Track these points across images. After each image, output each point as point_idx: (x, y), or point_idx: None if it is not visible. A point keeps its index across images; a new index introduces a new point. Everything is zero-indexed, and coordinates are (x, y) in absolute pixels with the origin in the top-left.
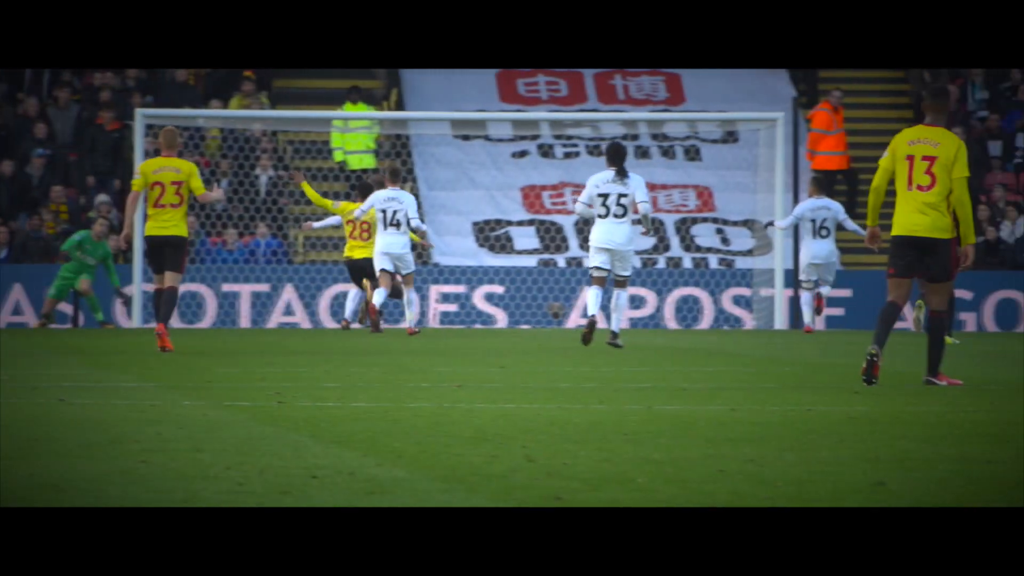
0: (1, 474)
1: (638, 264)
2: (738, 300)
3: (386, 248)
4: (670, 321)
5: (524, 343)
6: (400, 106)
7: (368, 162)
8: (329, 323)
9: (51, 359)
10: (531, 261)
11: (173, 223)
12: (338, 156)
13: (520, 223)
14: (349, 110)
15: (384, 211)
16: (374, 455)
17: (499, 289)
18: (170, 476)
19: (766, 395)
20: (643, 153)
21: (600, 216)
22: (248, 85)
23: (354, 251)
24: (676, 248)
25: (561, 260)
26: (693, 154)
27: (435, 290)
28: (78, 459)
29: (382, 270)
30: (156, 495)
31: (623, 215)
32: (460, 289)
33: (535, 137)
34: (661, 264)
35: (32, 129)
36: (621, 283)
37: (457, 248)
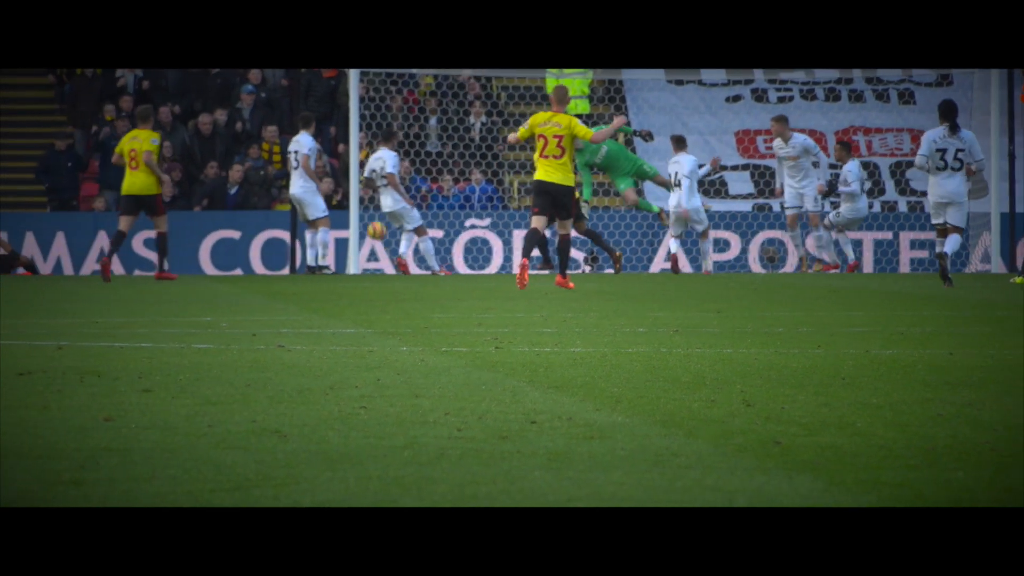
0: (224, 419)
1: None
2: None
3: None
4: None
5: (739, 288)
6: None
7: (582, 107)
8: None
9: (269, 306)
10: (746, 206)
11: (559, 172)
12: None
13: (734, 168)
14: None
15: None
16: (592, 400)
17: (714, 234)
18: (389, 422)
19: (983, 339)
20: (857, 97)
21: (938, 168)
22: None
23: None
24: (891, 192)
25: (776, 205)
26: (907, 97)
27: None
28: (298, 404)
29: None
30: (376, 440)
31: (959, 168)
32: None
33: (749, 82)
34: (876, 208)
35: (246, 76)
36: (956, 231)
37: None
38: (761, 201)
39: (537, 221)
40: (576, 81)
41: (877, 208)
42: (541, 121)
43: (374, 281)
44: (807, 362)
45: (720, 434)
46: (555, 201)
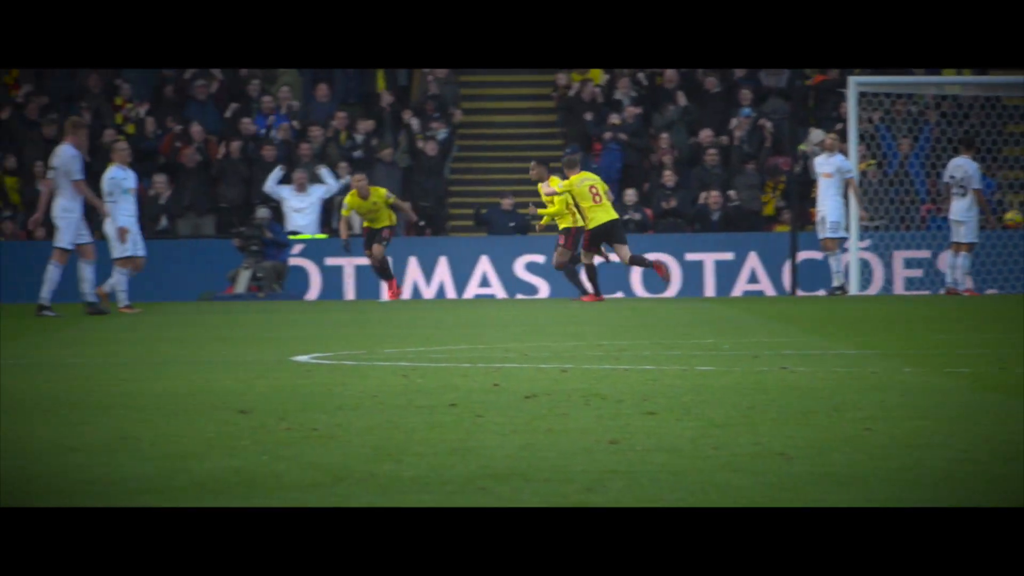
0: (729, 441)
1: None
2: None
3: (952, 215)
4: None
5: None
6: None
7: None
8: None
9: (769, 327)
10: None
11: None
12: None
13: None
14: None
15: (952, 176)
16: None
17: None
18: (895, 444)
19: None
20: None
21: None
22: None
23: None
24: None
25: None
26: None
27: None
28: (802, 426)
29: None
30: (881, 462)
31: None
32: None
33: None
34: None
35: (739, 98)
36: None
37: None
38: None
39: None
40: None
41: None
42: None
43: (877, 303)
44: None
45: None
46: None
